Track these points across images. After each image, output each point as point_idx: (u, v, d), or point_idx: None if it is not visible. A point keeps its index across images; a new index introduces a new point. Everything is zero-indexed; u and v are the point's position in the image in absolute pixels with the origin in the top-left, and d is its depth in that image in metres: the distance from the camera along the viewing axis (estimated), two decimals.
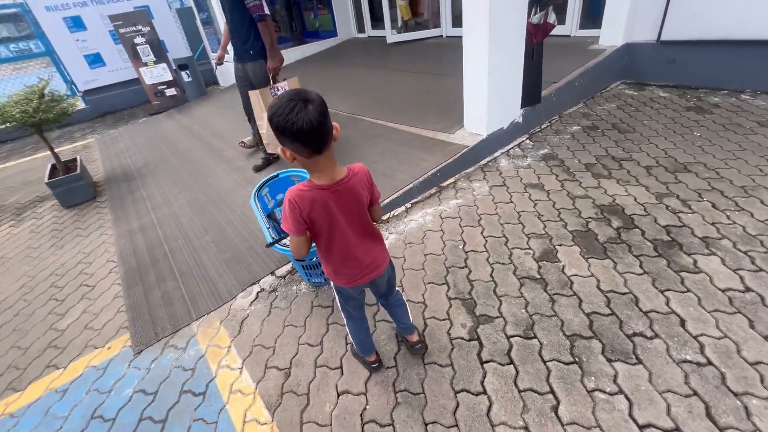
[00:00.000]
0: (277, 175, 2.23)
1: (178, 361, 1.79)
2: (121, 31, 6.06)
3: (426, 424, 1.36)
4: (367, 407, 1.45)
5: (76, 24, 6.48)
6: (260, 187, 2.15)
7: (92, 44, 6.70)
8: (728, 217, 2.02)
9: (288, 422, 1.45)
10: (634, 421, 1.26)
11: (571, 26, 4.68)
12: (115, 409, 1.62)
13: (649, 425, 1.24)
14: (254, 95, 3.08)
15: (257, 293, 2.09)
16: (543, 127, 3.44)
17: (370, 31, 7.63)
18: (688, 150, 2.69)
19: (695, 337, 1.47)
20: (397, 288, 1.49)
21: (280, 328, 1.86)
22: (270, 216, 2.11)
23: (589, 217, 2.20)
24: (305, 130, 0.94)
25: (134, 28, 6.10)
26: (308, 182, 1.10)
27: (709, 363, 1.38)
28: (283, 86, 3.10)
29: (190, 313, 2.05)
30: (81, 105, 6.83)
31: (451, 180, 2.83)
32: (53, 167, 3.65)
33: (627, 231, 2.05)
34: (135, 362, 1.82)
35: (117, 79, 7.10)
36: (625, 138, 3.00)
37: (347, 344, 1.70)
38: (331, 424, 1.41)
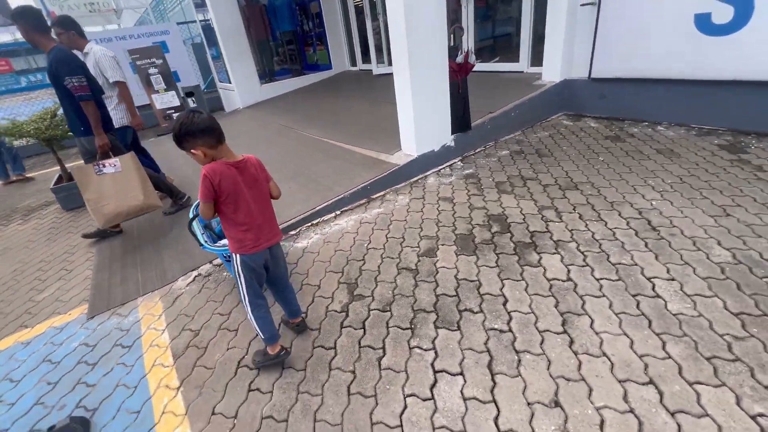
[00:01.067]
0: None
1: (118, 324, 2.23)
2: (138, 63, 6.92)
3: (284, 368, 1.74)
4: (245, 357, 1.85)
5: None
6: (192, 219, 2.12)
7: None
8: (586, 226, 2.38)
9: (185, 366, 1.86)
10: (433, 367, 1.62)
11: (524, 64, 5.19)
12: (62, 356, 2.06)
13: (443, 371, 1.60)
14: (77, 170, 2.88)
15: (194, 277, 2.55)
16: (477, 150, 3.88)
17: (360, 65, 8.36)
18: (586, 172, 3.08)
19: (509, 312, 1.83)
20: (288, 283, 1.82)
21: (204, 302, 2.29)
22: (207, 226, 2.42)
23: (477, 224, 2.60)
24: (208, 125, 1.39)
25: (149, 61, 6.95)
26: (219, 162, 1.44)
27: (510, 330, 1.74)
28: (113, 163, 2.96)
29: (138, 290, 2.51)
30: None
31: (381, 193, 3.28)
32: (59, 177, 4.28)
33: (500, 235, 2.44)
34: (86, 324, 2.28)
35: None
36: (540, 161, 3.40)
37: (253, 365, 1.78)
38: (215, 368, 1.82)
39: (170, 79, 7.23)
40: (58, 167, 4.34)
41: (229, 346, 1.93)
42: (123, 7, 23.87)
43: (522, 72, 5.20)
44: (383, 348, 1.76)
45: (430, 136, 3.45)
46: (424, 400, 1.50)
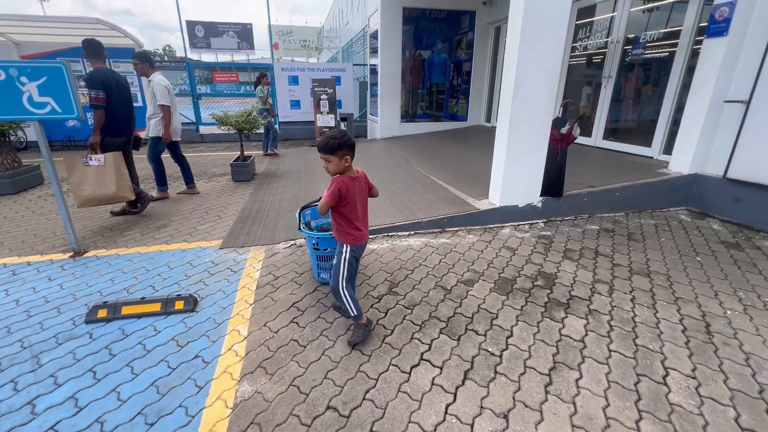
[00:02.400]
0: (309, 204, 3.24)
1: (234, 258, 3.15)
2: (315, 89, 8.87)
3: (318, 318, 2.30)
4: (298, 301, 2.48)
5: (293, 81, 9.73)
6: (302, 209, 2.80)
7: (298, 95, 9.87)
8: (632, 308, 2.36)
9: (260, 294, 2.58)
10: (421, 356, 1.96)
11: (655, 150, 4.95)
12: (197, 264, 3.04)
13: (428, 360, 1.92)
14: (67, 158, 3.42)
15: (291, 245, 3.37)
16: (565, 218, 3.93)
17: (493, 122, 8.88)
18: (669, 265, 2.92)
19: (507, 344, 2.03)
20: None
21: (289, 262, 3.05)
22: (307, 224, 3.13)
23: (524, 274, 2.78)
24: (355, 144, 1.93)
25: (323, 89, 8.84)
26: (345, 176, 1.91)
27: (500, 356, 1.95)
28: (98, 158, 3.54)
29: (254, 242, 3.45)
30: (261, 130, 9.93)
31: (455, 228, 3.67)
32: (238, 157, 5.90)
33: (540, 288, 2.58)
34: (217, 251, 3.27)
35: (303, 119, 10.10)
36: (626, 243, 3.32)
37: (350, 346, 2.03)
38: (277, 301, 2.49)
39: (334, 106, 9.00)
40: (246, 151, 5.99)
41: (291, 292, 2.59)
42: (324, 46, 29.75)
43: (651, 158, 4.97)
44: (392, 331, 2.16)
45: (516, 191, 3.72)
46: (403, 372, 1.86)
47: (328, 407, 1.66)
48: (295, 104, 9.98)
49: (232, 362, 1.94)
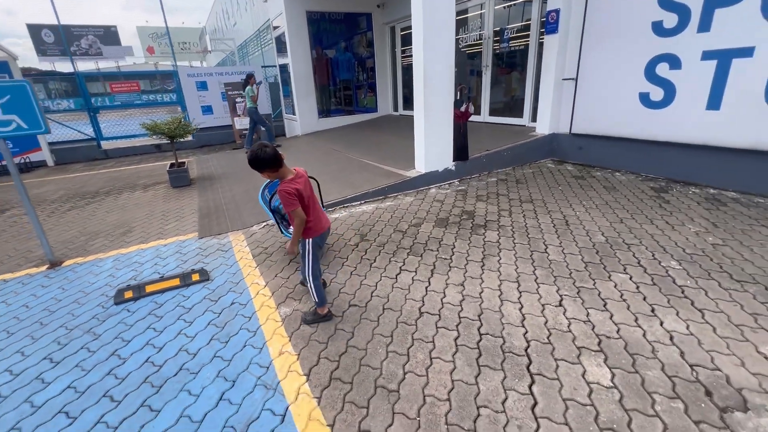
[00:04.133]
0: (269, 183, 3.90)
1: (218, 243, 3.60)
2: (229, 93, 8.99)
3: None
4: (293, 259, 3.12)
5: (202, 86, 9.64)
6: (263, 189, 3.37)
7: (208, 100, 9.79)
8: (523, 220, 3.54)
9: (259, 260, 3.16)
10: (395, 264, 2.82)
11: (526, 120, 6.52)
12: (186, 252, 3.43)
13: (403, 268, 2.79)
14: None
15: (264, 225, 3.92)
16: (473, 176, 5.14)
17: (401, 111, 10.06)
18: (543, 194, 4.24)
19: (453, 252, 3.01)
20: None
21: (271, 236, 3.62)
22: (274, 210, 3.79)
23: (453, 214, 3.81)
24: (272, 156, 1.95)
25: (237, 92, 9.01)
26: (288, 180, 2.00)
27: (450, 259, 2.91)
28: None
29: (228, 228, 3.90)
30: (190, 138, 9.73)
31: (394, 194, 4.58)
32: (171, 164, 5.99)
33: (466, 220, 3.63)
34: (198, 242, 3.67)
35: (217, 123, 10.05)
36: (516, 186, 4.60)
37: (302, 321, 2.28)
38: (276, 261, 3.10)
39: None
40: (172, 160, 6.06)
41: (284, 255, 3.22)
42: (212, 49, 28.19)
43: (524, 126, 6.52)
44: (375, 259, 2.98)
45: (435, 159, 4.78)
46: (390, 278, 2.69)
47: (350, 305, 2.43)
48: (207, 109, 9.89)
49: (266, 299, 2.56)
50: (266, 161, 1.98)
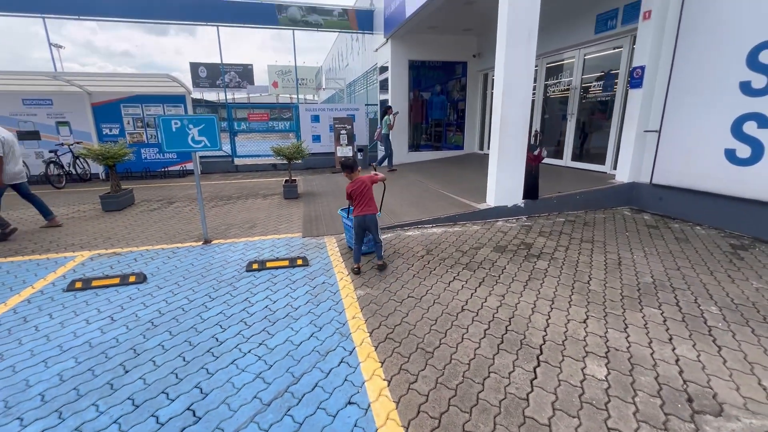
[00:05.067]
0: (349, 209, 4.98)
1: (316, 241, 4.62)
2: (335, 126, 10.62)
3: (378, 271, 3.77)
4: (373, 258, 3.94)
5: (315, 119, 11.52)
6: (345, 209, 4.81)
7: (319, 130, 11.62)
8: (578, 255, 3.87)
9: (344, 255, 4.05)
10: (455, 276, 3.44)
11: (608, 166, 6.62)
12: (293, 246, 4.50)
13: (456, 278, 3.40)
14: None
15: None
16: (542, 215, 5.49)
17: (485, 150, 10.63)
18: (607, 238, 4.45)
19: (502, 271, 3.52)
20: (380, 238, 3.90)
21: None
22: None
23: (511, 243, 4.29)
24: (348, 164, 3.63)
25: (342, 126, 10.59)
26: (351, 182, 3.61)
27: (498, 277, 3.43)
28: None
29: (324, 232, 4.93)
30: (300, 161, 11.59)
31: (463, 222, 5.20)
32: (286, 180, 7.46)
33: (521, 249, 4.09)
34: (302, 240, 4.74)
35: (322, 150, 11.80)
36: (582, 228, 4.86)
37: (350, 270, 4.10)
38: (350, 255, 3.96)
39: (351, 139, 10.73)
40: (287, 177, 7.55)
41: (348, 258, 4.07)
42: (324, 86, 32.24)
43: (605, 173, 6.63)
44: (435, 269, 3.64)
45: (504, 195, 5.29)
46: (444, 284, 3.32)
47: (409, 296, 3.12)
48: (317, 138, 11.72)
49: (347, 284, 3.40)
50: (347, 166, 3.65)
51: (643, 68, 5.40)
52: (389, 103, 10.46)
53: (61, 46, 30.19)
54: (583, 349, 2.37)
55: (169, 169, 10.51)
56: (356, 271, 3.61)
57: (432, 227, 5.05)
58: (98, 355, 2.44)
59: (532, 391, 2.02)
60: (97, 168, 10.05)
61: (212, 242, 4.68)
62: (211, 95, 30.51)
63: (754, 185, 4.28)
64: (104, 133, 10.03)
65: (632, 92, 5.63)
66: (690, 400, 1.93)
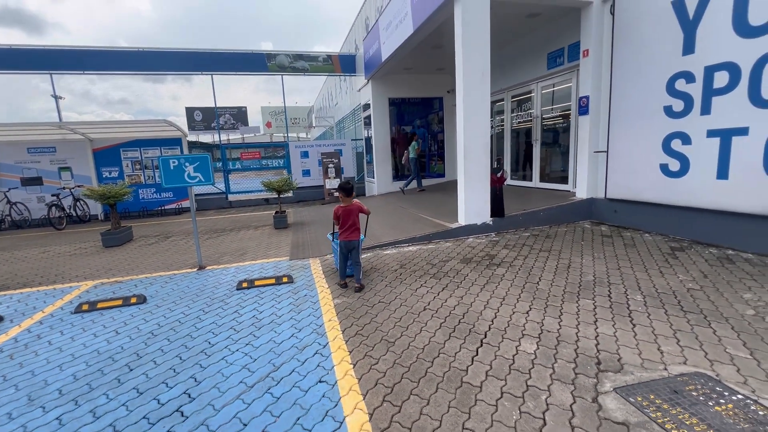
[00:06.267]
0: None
1: (301, 263, 5.06)
2: (324, 160, 11.31)
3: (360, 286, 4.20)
4: (352, 277, 4.38)
5: (305, 155, 12.23)
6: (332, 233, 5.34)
7: (308, 165, 12.30)
8: (534, 261, 4.33)
9: (327, 272, 4.48)
10: (422, 284, 3.88)
11: (571, 186, 7.23)
12: (281, 268, 4.93)
13: (423, 285, 3.84)
14: None
15: (329, 255, 5.31)
16: (510, 230, 6.00)
17: None
18: (564, 246, 4.95)
19: (464, 278, 3.97)
20: (360, 260, 4.36)
21: (331, 263, 4.97)
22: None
23: (477, 256, 4.76)
24: (349, 188, 4.18)
25: (329, 160, 11.28)
26: (340, 205, 4.08)
27: (459, 286, 3.88)
28: None
29: (309, 255, 5.38)
30: (290, 194, 12.18)
31: (437, 240, 5.68)
32: (276, 212, 7.97)
33: (485, 259, 4.56)
34: (288, 262, 5.18)
35: (312, 184, 12.42)
36: (544, 240, 5.36)
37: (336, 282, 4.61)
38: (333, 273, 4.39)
39: (338, 172, 11.39)
40: (277, 208, 8.07)
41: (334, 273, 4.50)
42: (315, 125, 33.58)
43: (569, 191, 7.23)
44: (405, 279, 4.08)
45: (473, 214, 5.82)
46: (412, 290, 3.76)
47: (379, 301, 3.55)
48: (306, 173, 12.38)
49: (326, 295, 3.82)
50: (345, 189, 4.01)
51: (587, 98, 6.14)
52: (372, 137, 11.23)
53: (61, 97, 31.45)
54: (520, 332, 2.79)
55: (166, 207, 11.01)
56: (343, 286, 4.00)
57: (408, 246, 5.52)
58: (106, 359, 2.82)
59: (472, 364, 2.43)
60: (96, 209, 10.53)
61: (206, 268, 5.10)
62: (206, 137, 31.68)
63: (686, 194, 4.85)
64: (104, 176, 10.61)
65: (581, 118, 6.33)
66: (599, 363, 2.35)
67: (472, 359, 2.49)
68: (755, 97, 4.05)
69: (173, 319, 3.48)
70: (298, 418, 2.04)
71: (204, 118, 30.23)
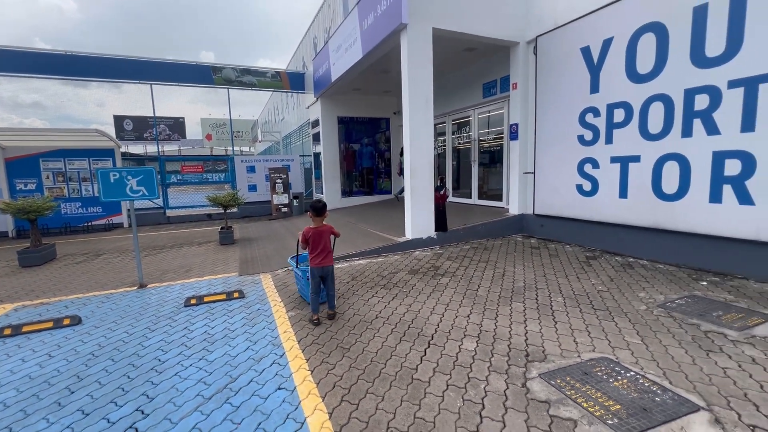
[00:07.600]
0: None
1: (252, 279, 5.03)
2: (271, 175, 11.20)
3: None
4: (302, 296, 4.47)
5: (251, 170, 12.01)
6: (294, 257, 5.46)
7: (255, 180, 12.08)
8: (474, 271, 4.77)
9: (280, 288, 4.52)
10: (374, 295, 4.10)
11: (505, 203, 7.98)
12: (230, 284, 4.86)
13: (375, 295, 4.07)
14: None
15: (286, 269, 5.35)
16: (452, 244, 6.47)
17: None
18: (499, 257, 5.48)
19: (412, 288, 4.27)
20: (334, 290, 4.45)
21: (290, 277, 5.02)
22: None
23: (423, 267, 5.11)
24: (322, 207, 4.22)
25: (277, 175, 11.20)
26: (311, 227, 3.64)
27: (407, 295, 4.17)
28: None
29: (260, 270, 5.36)
30: (236, 209, 11.80)
31: (386, 254, 5.96)
32: (222, 227, 7.75)
33: (430, 270, 4.91)
34: (238, 278, 5.12)
35: (259, 199, 12.18)
36: (482, 252, 5.88)
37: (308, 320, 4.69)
38: (293, 293, 4.45)
39: (286, 187, 11.34)
40: (222, 224, 7.85)
41: (296, 288, 4.58)
42: (260, 139, 32.85)
43: (503, 208, 7.97)
44: (358, 290, 4.27)
45: (419, 229, 6.21)
46: (366, 302, 3.96)
47: (336, 313, 3.70)
48: (252, 188, 12.13)
49: (280, 308, 3.89)
50: (316, 209, 3.57)
51: (517, 125, 6.92)
52: (321, 153, 11.39)
53: None
54: (463, 333, 3.12)
55: (94, 223, 10.12)
56: (316, 323, 3.44)
57: (359, 259, 5.73)
58: (41, 383, 2.65)
59: (421, 363, 2.69)
60: (5, 225, 9.38)
61: (148, 286, 4.87)
62: (137, 148, 29.53)
63: (597, 211, 5.67)
64: (18, 188, 9.52)
65: (512, 143, 7.11)
66: (527, 355, 2.73)
67: (421, 359, 2.74)
68: (644, 131, 4.93)
69: (116, 338, 3.33)
70: (260, 423, 2.13)
71: (135, 127, 28.19)
